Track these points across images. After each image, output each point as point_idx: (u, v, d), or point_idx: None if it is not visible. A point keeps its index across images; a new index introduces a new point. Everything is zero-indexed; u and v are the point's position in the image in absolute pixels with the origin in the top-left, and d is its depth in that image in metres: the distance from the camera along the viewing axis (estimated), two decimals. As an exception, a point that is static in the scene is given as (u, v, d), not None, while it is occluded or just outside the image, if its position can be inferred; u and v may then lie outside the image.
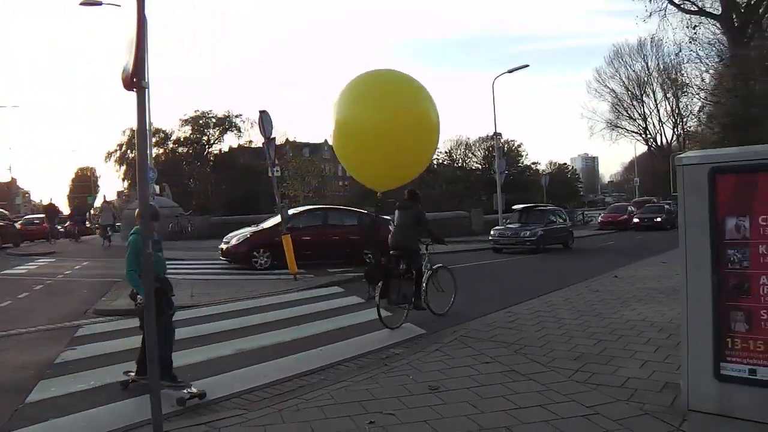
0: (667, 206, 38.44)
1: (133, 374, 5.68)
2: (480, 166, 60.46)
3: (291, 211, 18.12)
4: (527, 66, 30.38)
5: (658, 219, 35.86)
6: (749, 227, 3.63)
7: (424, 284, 9.08)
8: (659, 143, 65.94)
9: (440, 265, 9.76)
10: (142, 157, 3.68)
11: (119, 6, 21.25)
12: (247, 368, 6.40)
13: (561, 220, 25.73)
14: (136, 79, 3.50)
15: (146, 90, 3.48)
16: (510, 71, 30.53)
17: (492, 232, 23.82)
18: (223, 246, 17.14)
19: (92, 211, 45.11)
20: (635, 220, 37.04)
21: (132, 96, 3.56)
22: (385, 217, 16.81)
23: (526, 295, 10.69)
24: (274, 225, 17.21)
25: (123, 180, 58.03)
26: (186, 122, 54.54)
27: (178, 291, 11.93)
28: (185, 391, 5.28)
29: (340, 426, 4.48)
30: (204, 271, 16.32)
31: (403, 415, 4.70)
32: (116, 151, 57.88)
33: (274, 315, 9.58)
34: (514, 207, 26.30)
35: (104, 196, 42.81)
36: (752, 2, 31.83)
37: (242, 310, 10.05)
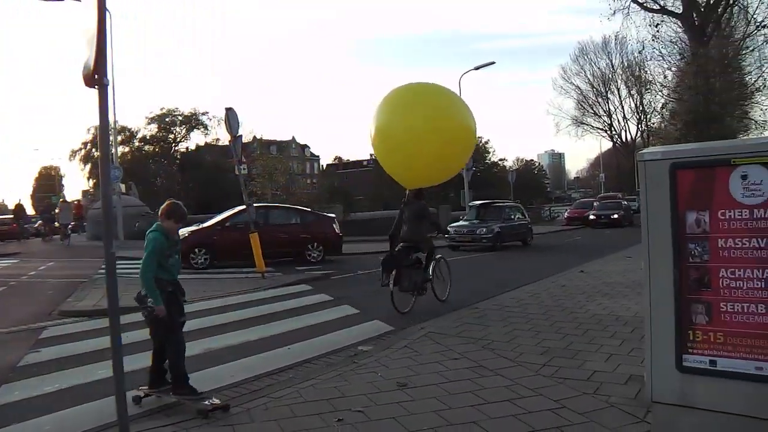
0: (625, 203, 38.07)
1: (146, 388, 5.25)
2: (448, 163, 60.54)
3: (230, 211, 18.05)
4: (493, 63, 30.66)
5: (615, 216, 34.85)
6: (709, 221, 3.70)
7: (430, 272, 9.93)
8: (624, 139, 67.07)
9: (440, 256, 10.64)
10: (105, 156, 3.60)
11: (79, 0, 20.84)
12: (215, 368, 6.35)
13: (519, 217, 25.15)
14: (97, 76, 3.42)
15: (107, 87, 3.40)
16: (476, 68, 30.74)
17: (448, 229, 22.78)
18: None
19: (56, 211, 44.34)
20: (591, 216, 35.92)
21: (94, 93, 3.50)
22: (329, 215, 17.17)
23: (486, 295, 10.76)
24: (213, 224, 17.17)
25: (88, 179, 57.10)
26: (152, 120, 53.84)
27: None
28: (207, 402, 4.84)
29: (309, 424, 4.46)
30: (189, 270, 16.11)
31: (371, 412, 4.70)
32: (81, 149, 56.93)
33: (241, 314, 9.51)
34: (471, 203, 25.87)
35: (63, 196, 42.07)
36: (711, 2, 32.49)
37: (209, 309, 9.95)
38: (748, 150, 3.63)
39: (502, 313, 8.61)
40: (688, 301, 3.78)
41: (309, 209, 20.45)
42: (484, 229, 22.14)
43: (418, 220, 9.85)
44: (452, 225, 23.34)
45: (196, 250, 16.19)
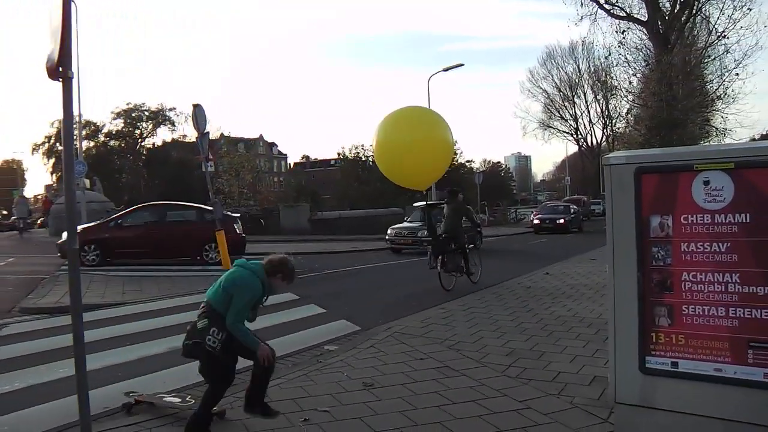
0: (574, 207, 35.82)
1: (136, 395, 4.96)
2: (415, 164, 60.65)
3: (125, 210, 17.78)
4: (462, 65, 30.79)
5: (561, 221, 31.66)
6: (672, 226, 3.77)
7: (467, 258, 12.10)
8: (590, 144, 67.96)
9: (473, 245, 13.41)
10: (69, 150, 3.52)
11: (44, -8, 20.40)
12: (180, 366, 6.21)
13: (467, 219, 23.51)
14: (61, 69, 3.34)
15: (72, 80, 3.32)
16: (445, 70, 30.90)
17: (389, 231, 21.74)
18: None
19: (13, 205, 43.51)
20: (535, 221, 32.87)
21: (58, 86, 3.42)
22: (232, 215, 16.78)
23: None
24: (106, 221, 16.96)
25: (51, 173, 56.02)
26: (118, 115, 53.15)
27: (109, 288, 11.65)
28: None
29: (274, 424, 4.42)
30: (136, 268, 15.84)
31: (337, 412, 4.69)
32: (44, 143, 55.83)
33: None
34: (415, 204, 24.21)
35: (21, 191, 41.32)
36: (675, 11, 33.13)
37: (175, 307, 9.79)
38: (710, 156, 3.72)
39: (468, 314, 8.65)
40: (651, 303, 3.85)
41: (207, 207, 18.56)
42: (425, 232, 20.06)
43: (456, 215, 12.32)
44: (394, 227, 22.06)
45: (86, 247, 15.64)
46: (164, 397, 5.01)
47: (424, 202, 23.59)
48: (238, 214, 18.96)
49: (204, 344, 4.17)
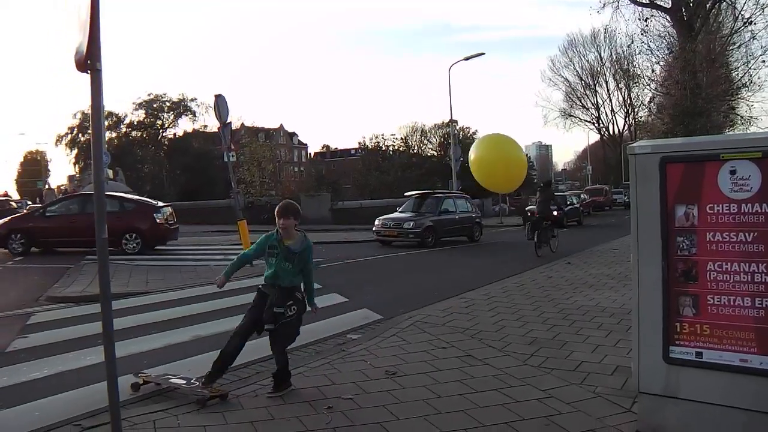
0: (575, 198, 34.00)
1: (145, 374, 5.22)
2: (435, 153, 60.60)
3: (52, 200, 17.82)
4: (483, 54, 30.64)
5: (554, 213, 27.86)
6: (697, 215, 3.75)
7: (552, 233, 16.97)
8: (611, 132, 67.31)
9: (550, 223, 17.14)
10: (98, 141, 3.58)
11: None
12: (204, 354, 6.30)
13: (464, 209, 21.75)
14: (90, 61, 3.40)
15: (101, 73, 3.38)
16: (466, 59, 30.75)
17: (376, 222, 20.26)
18: None
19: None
20: (528, 213, 27.78)
21: (85, 78, 3.47)
22: (153, 203, 16.43)
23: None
24: (31, 210, 17.13)
25: (74, 164, 56.63)
26: (140, 106, 53.56)
27: (133, 278, 11.82)
28: (205, 390, 4.76)
29: (298, 411, 4.49)
30: (159, 257, 16.05)
31: (361, 400, 4.74)
32: (67, 134, 56.45)
33: (229, 301, 9.46)
34: (406, 194, 23.30)
35: (48, 182, 41.90)
36: (700, -2, 32.60)
37: (198, 296, 9.93)
38: (737, 145, 3.69)
39: (490, 303, 8.66)
40: (676, 293, 3.84)
41: (134, 197, 18.71)
42: (412, 223, 19.26)
43: (547, 202, 17.05)
44: (381, 217, 20.47)
45: (15, 235, 15.99)
46: (170, 378, 5.15)
47: (417, 191, 23.22)
48: (160, 203, 18.27)
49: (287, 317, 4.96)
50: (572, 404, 4.57)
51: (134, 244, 16.19)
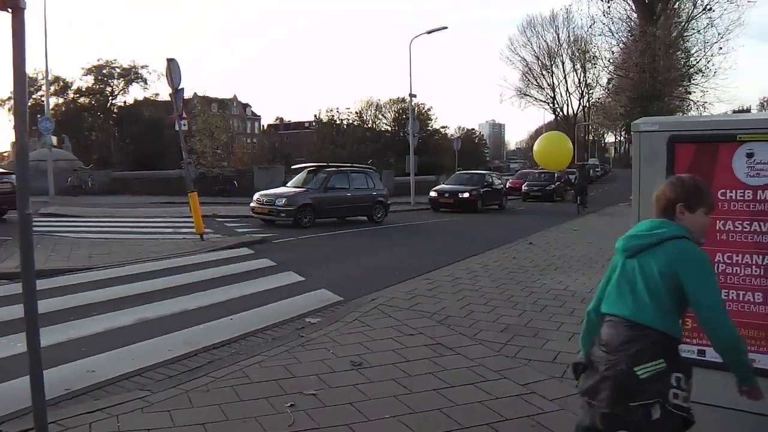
0: (495, 178, 28.81)
1: None
2: (390, 128, 59.99)
3: None
4: (446, 28, 30.00)
5: (466, 195, 24.60)
6: (707, 201, 3.39)
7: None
8: (566, 113, 67.89)
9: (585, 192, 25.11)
10: (21, 98, 2.96)
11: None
12: (150, 341, 5.76)
13: (361, 186, 19.17)
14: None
15: (24, 12, 2.77)
16: (428, 32, 30.10)
17: (255, 196, 17.97)
18: None
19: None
20: (432, 194, 25.46)
21: (7, 19, 2.86)
22: None
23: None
24: None
25: (17, 130, 54.03)
26: (88, 71, 51.17)
27: (75, 252, 11.05)
28: None
29: (256, 410, 4.00)
30: (105, 230, 15.22)
31: (325, 397, 4.27)
32: (10, 98, 53.75)
33: (178, 279, 8.89)
34: (294, 166, 21.73)
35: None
36: (662, -19, 32.72)
37: (144, 273, 9.26)
38: (756, 126, 3.31)
39: (455, 286, 8.29)
40: (680, 286, 3.49)
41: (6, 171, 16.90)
42: (284, 200, 16.88)
43: (585, 176, 25.83)
44: (260, 192, 18.38)
45: None
46: None
47: (309, 164, 21.34)
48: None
49: (663, 405, 2.33)
50: (556, 401, 4.22)
51: None
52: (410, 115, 33.31)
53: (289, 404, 4.10)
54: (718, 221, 3.37)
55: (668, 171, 3.45)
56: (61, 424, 3.66)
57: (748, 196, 3.30)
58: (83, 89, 51.55)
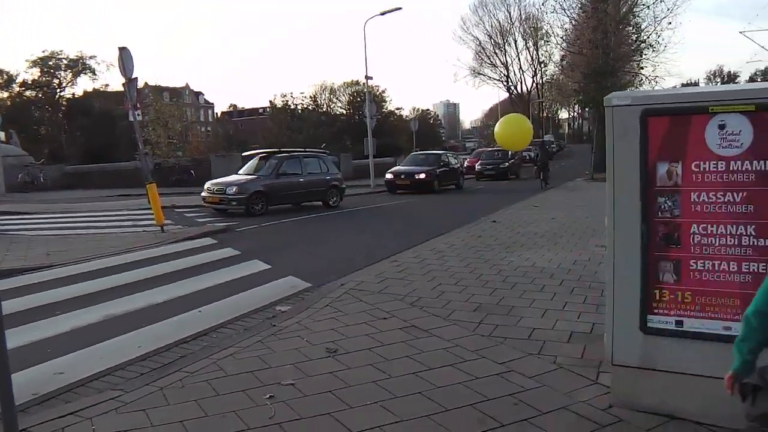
0: (452, 158, 29.10)
1: None
2: (345, 112, 59.61)
3: None
4: (400, 9, 29.84)
5: (422, 175, 24.65)
6: (681, 174, 3.41)
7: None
8: (520, 91, 68.46)
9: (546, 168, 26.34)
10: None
11: None
12: (118, 338, 5.60)
13: (314, 171, 18.88)
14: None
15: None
16: (382, 13, 29.91)
17: (205, 185, 17.48)
18: None
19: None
20: (388, 176, 25.40)
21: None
22: None
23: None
24: None
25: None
26: (34, 63, 49.40)
27: (31, 250, 10.70)
28: None
29: (234, 404, 3.90)
30: (61, 226, 14.79)
31: (304, 386, 4.20)
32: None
33: (142, 272, 8.68)
34: (245, 153, 21.32)
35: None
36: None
37: (107, 268, 9.02)
38: (728, 97, 3.33)
39: (424, 267, 8.27)
40: (656, 258, 3.52)
41: None
42: (235, 188, 16.45)
43: (546, 154, 27.77)
44: (211, 181, 17.90)
45: None
46: None
47: (260, 150, 20.61)
48: None
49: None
50: (535, 378, 4.22)
51: None
52: (367, 98, 33.18)
53: (267, 396, 4.02)
54: (692, 193, 3.40)
55: (642, 145, 3.47)
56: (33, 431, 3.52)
57: (721, 167, 3.33)
58: (29, 82, 49.88)
